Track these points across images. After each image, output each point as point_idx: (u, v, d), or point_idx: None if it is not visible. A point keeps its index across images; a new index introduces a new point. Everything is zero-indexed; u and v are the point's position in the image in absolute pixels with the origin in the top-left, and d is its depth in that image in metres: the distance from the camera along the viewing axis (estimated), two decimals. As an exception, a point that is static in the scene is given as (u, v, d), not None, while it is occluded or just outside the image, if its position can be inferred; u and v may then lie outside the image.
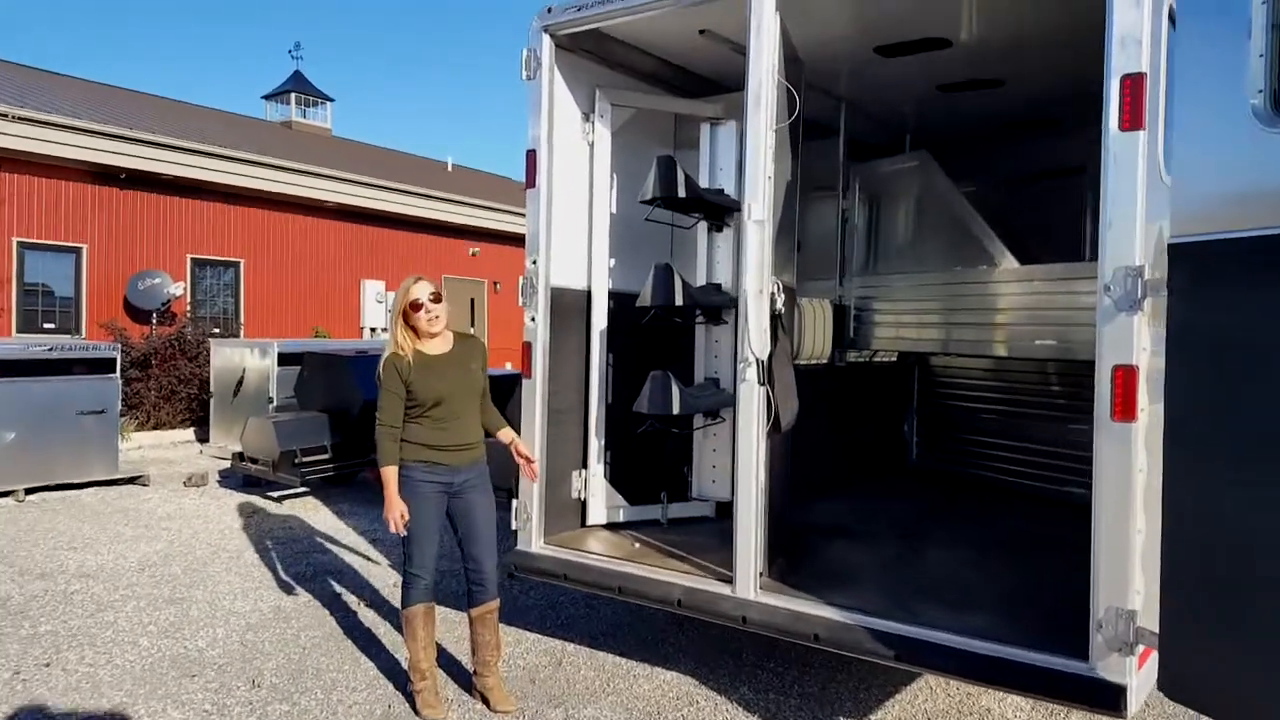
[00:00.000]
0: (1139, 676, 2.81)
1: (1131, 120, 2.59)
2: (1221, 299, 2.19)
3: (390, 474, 3.47)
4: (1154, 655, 2.93)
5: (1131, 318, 2.64)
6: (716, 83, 4.81)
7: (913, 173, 5.34)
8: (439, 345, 3.59)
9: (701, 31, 4.11)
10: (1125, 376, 2.63)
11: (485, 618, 3.65)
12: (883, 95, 5.13)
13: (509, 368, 11.90)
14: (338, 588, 5.24)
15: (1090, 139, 5.31)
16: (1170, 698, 2.53)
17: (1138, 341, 2.63)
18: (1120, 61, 2.63)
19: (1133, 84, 2.57)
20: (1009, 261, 4.74)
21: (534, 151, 4.14)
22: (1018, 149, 5.86)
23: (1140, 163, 2.61)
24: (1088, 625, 2.83)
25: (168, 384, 11.26)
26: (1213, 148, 2.14)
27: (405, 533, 3.47)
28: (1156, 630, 2.75)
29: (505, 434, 3.86)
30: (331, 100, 21.25)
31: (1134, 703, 2.77)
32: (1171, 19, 2.78)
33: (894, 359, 6.26)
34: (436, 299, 3.52)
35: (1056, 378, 5.46)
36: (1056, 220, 5.64)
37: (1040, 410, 5.58)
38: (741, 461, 3.52)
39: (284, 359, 9.38)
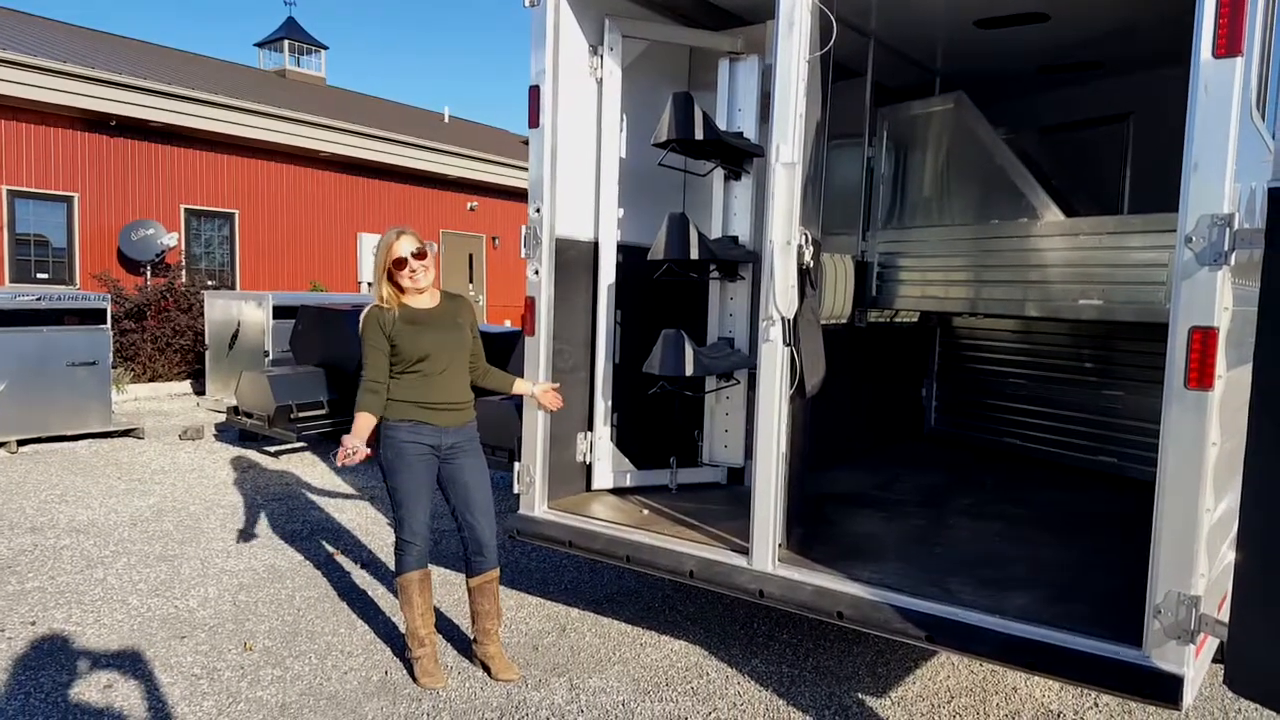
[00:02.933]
0: (1196, 666, 2.58)
1: (1228, 45, 2.26)
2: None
3: (364, 420, 3.24)
4: (1209, 644, 2.72)
5: (1215, 273, 2.34)
6: (736, 14, 4.43)
7: (947, 116, 4.96)
8: (425, 300, 3.42)
9: (723, -47, 3.74)
10: (1204, 339, 2.35)
11: (485, 587, 3.51)
12: (914, 31, 4.75)
13: (508, 325, 11.61)
14: (333, 547, 5.12)
15: (1140, 83, 5.05)
16: (1239, 694, 2.31)
17: (1220, 300, 2.34)
18: None
19: (1232, 0, 2.23)
20: (1052, 213, 4.40)
21: (537, 87, 3.81)
22: (1059, 92, 5.47)
23: (1235, 95, 2.28)
24: (1139, 609, 2.61)
25: (163, 336, 11.13)
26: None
27: (346, 462, 3.15)
28: (1220, 618, 2.53)
29: (521, 385, 3.70)
30: (326, 48, 20.65)
31: (1190, 694, 2.54)
32: None
33: (915, 319, 5.98)
34: (420, 255, 3.33)
35: (1091, 340, 5.17)
36: (1097, 170, 5.30)
37: (1070, 375, 5.31)
38: (761, 427, 3.27)
39: (279, 312, 9.20)
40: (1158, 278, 3.94)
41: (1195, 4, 2.37)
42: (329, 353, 7.93)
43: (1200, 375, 2.38)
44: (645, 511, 4.03)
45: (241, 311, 9.77)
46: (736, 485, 4.51)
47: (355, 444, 3.16)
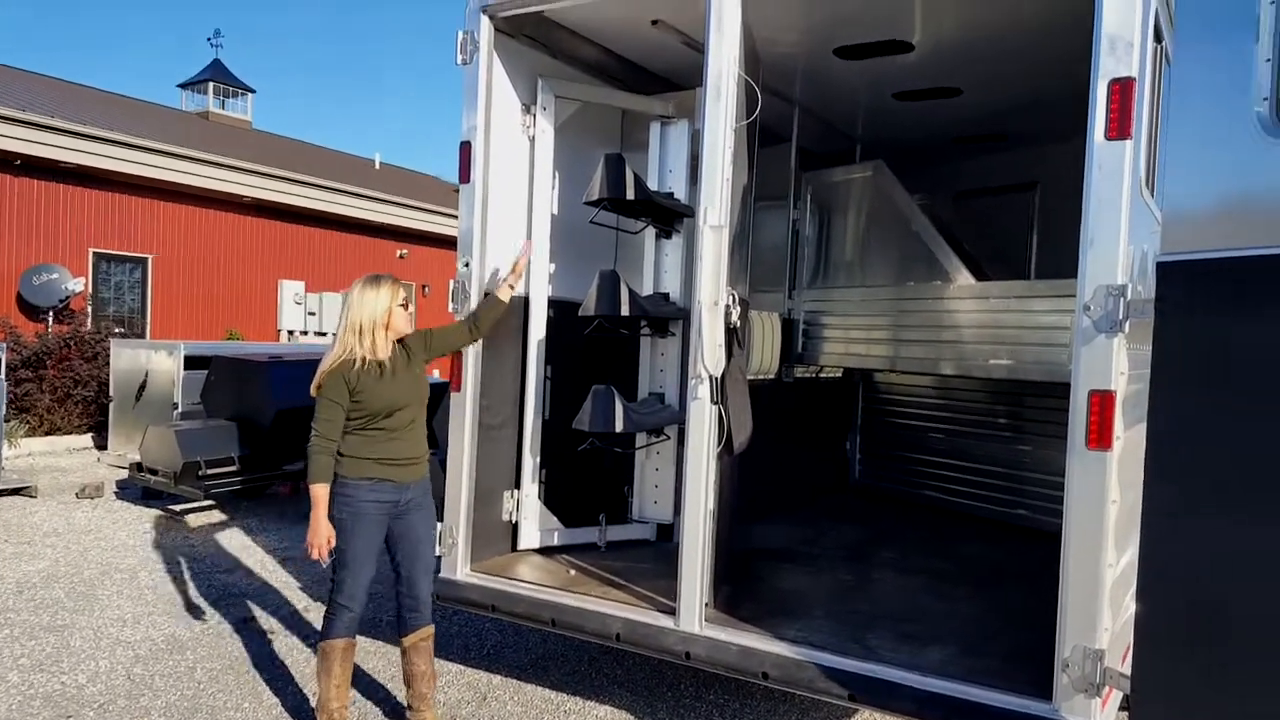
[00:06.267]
0: (1102, 718, 2.67)
1: (1119, 129, 2.45)
2: (1215, 322, 2.04)
3: (321, 493, 3.15)
4: (1114, 696, 2.82)
5: (1111, 340, 2.49)
6: (668, 80, 4.59)
7: (867, 182, 5.21)
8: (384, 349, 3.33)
9: (654, 22, 3.87)
10: (1102, 402, 2.49)
11: (420, 645, 3.38)
12: (837, 101, 5.00)
13: (435, 376, 11.38)
14: (242, 613, 4.85)
15: (1044, 154, 5.40)
16: (1145, 746, 2.38)
17: (1116, 365, 2.49)
18: (1109, 65, 2.49)
19: (1121, 89, 2.43)
20: (964, 277, 4.64)
21: (469, 143, 3.83)
22: (971, 162, 5.81)
23: (1126, 175, 2.47)
24: (1049, 662, 2.69)
25: (62, 386, 10.52)
26: (1212, 159, 1.99)
27: (328, 561, 3.17)
28: (1124, 671, 2.62)
29: (504, 292, 3.74)
30: (253, 91, 20.46)
31: (1099, 747, 2.61)
32: (1156, 34, 2.66)
33: (839, 375, 6.14)
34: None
35: (1003, 398, 5.40)
36: (1006, 236, 5.61)
37: (984, 430, 5.52)
38: (689, 485, 3.28)
39: (191, 362, 8.80)
40: (1062, 340, 4.16)
41: (1090, 88, 2.56)
42: (243, 406, 7.61)
43: (1100, 436, 2.51)
44: (572, 572, 3.97)
45: (150, 361, 9.33)
46: (666, 542, 4.50)
47: (326, 532, 3.14)
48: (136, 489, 7.72)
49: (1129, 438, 2.67)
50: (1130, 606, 2.85)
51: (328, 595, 3.28)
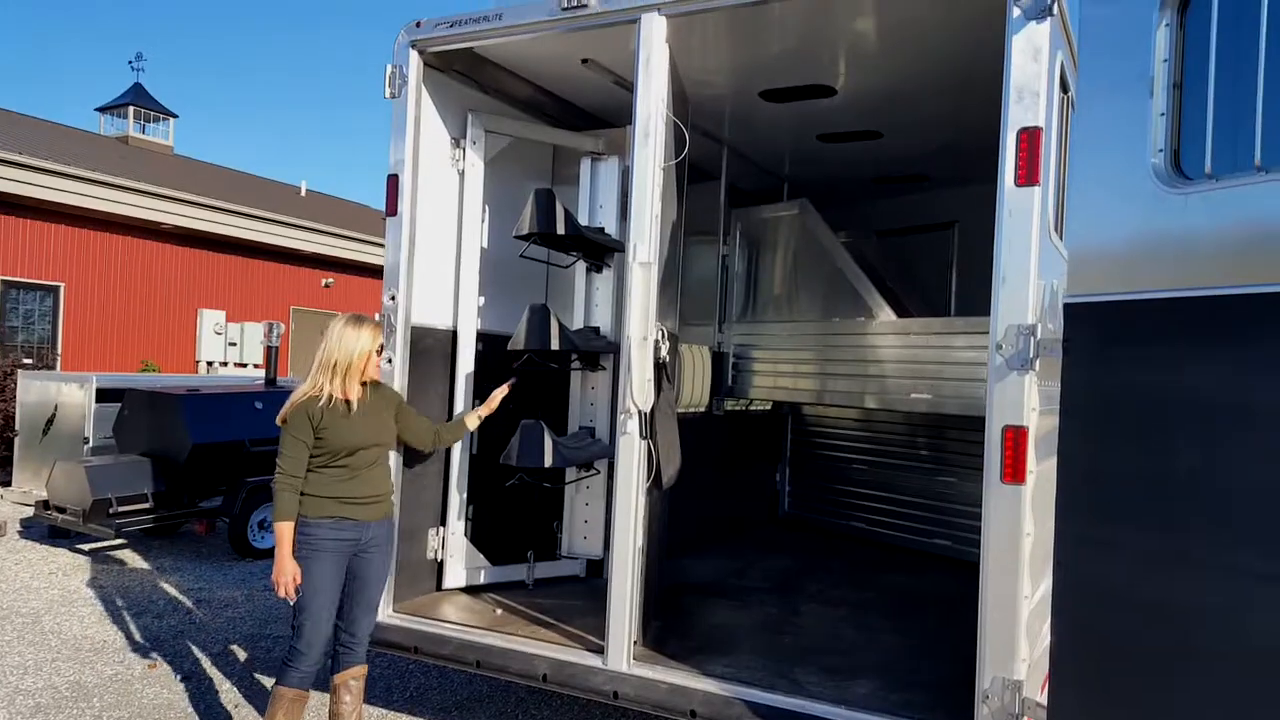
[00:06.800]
0: (1023, 749, 2.72)
1: (1027, 175, 2.56)
2: (1118, 361, 2.13)
3: (286, 531, 3.08)
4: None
5: (1023, 377, 2.59)
6: (598, 117, 4.63)
7: (793, 220, 5.34)
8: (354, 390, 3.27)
9: (584, 61, 3.91)
10: (1015, 437, 2.57)
11: (351, 684, 3.30)
12: (764, 142, 5.12)
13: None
14: (153, 657, 4.61)
15: (961, 195, 5.63)
16: (1061, 775, 2.43)
17: (1028, 401, 2.58)
18: (1017, 114, 2.61)
19: (1029, 138, 2.55)
20: (886, 314, 4.77)
21: (396, 176, 3.79)
22: (893, 201, 6.00)
23: (1035, 219, 2.58)
24: (971, 694, 2.72)
25: (-39, 420, 9.90)
26: (1111, 206, 2.10)
27: (295, 598, 3.09)
28: (1041, 701, 2.68)
29: (470, 420, 3.73)
30: (175, 116, 19.95)
31: (1018, 777, 2.66)
32: (1063, 84, 2.81)
33: (768, 407, 6.21)
34: None
35: (926, 431, 5.54)
36: (927, 273, 5.80)
37: (908, 462, 5.65)
38: (619, 522, 3.26)
39: (104, 394, 8.40)
40: (979, 375, 4.29)
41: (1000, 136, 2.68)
42: (158, 441, 7.28)
43: (1014, 470, 2.59)
44: (499, 611, 3.90)
45: (60, 393, 8.87)
46: (596, 578, 4.45)
47: (291, 570, 3.06)
48: (42, 527, 7.35)
49: (1042, 471, 2.76)
50: (1047, 637, 2.93)
51: (288, 641, 3.17)
